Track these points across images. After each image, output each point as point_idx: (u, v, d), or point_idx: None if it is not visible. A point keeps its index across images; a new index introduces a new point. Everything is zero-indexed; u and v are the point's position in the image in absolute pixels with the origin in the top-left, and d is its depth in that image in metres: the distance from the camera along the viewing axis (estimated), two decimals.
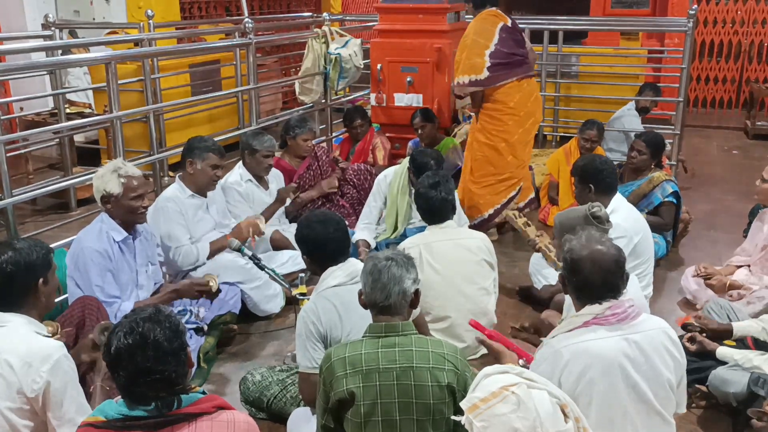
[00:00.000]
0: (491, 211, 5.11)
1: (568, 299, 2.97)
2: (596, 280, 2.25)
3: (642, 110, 6.52)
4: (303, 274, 3.62)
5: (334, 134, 6.73)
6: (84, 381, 2.64)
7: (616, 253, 2.31)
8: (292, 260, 4.33)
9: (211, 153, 3.94)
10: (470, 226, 5.01)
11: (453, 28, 5.85)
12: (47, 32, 6.16)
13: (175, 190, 3.95)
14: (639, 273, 3.62)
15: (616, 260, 2.30)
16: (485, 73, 4.82)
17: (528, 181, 5.41)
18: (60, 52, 5.98)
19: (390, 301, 2.28)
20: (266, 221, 4.46)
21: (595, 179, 3.77)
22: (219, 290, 3.46)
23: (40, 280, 2.41)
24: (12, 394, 2.20)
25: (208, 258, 3.96)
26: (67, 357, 2.30)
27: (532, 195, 5.49)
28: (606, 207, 3.41)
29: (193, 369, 3.32)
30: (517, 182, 5.13)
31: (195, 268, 3.94)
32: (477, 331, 3.45)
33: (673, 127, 6.54)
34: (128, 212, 3.31)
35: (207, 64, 7.52)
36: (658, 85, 6.98)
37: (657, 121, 7.02)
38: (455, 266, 3.44)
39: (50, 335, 2.47)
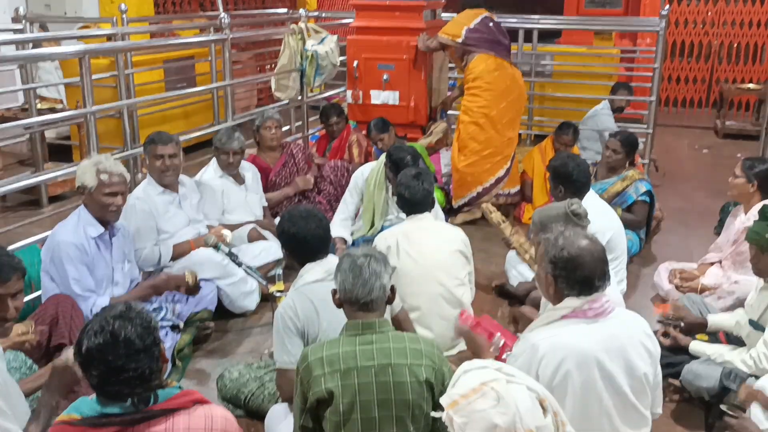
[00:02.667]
0: (480, 189, 5.46)
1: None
2: (596, 271, 2.27)
3: (618, 109, 6.61)
4: (279, 271, 3.62)
5: (310, 131, 6.70)
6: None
7: (600, 242, 2.36)
8: (265, 251, 4.32)
9: (152, 144, 3.89)
10: (460, 205, 5.46)
11: (429, 26, 5.86)
12: (17, 26, 6.05)
13: (146, 187, 3.91)
14: (613, 268, 3.65)
15: (603, 249, 2.34)
16: (462, 38, 5.40)
17: (516, 171, 5.60)
18: (31, 45, 5.87)
19: (372, 296, 2.27)
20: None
21: (566, 181, 3.83)
22: (199, 287, 3.43)
23: None
24: None
25: (172, 260, 3.92)
26: None
27: (518, 187, 5.67)
28: None
29: (169, 366, 3.29)
30: (503, 160, 5.45)
31: (162, 267, 3.91)
32: (450, 321, 3.48)
33: (645, 126, 6.62)
34: (99, 208, 3.28)
35: (181, 60, 7.44)
36: (631, 84, 7.07)
37: (630, 120, 7.10)
38: (431, 254, 3.47)
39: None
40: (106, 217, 3.32)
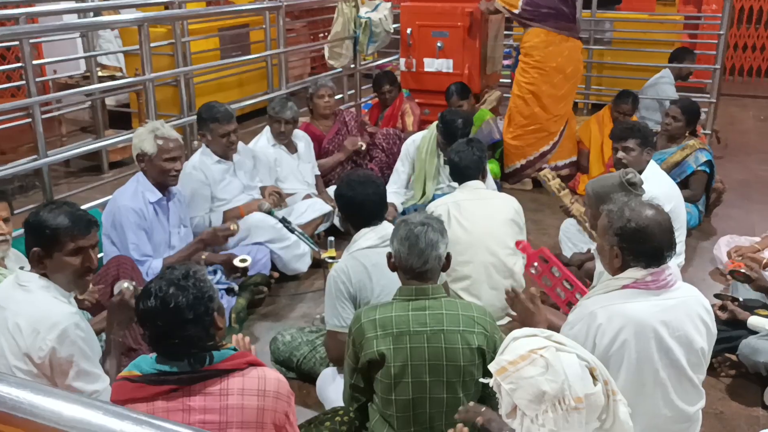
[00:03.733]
0: (523, 161, 5.49)
1: (598, 268, 2.96)
2: (664, 241, 2.21)
3: (685, 76, 6.40)
4: (331, 238, 3.66)
5: (363, 99, 6.69)
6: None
7: (666, 211, 2.29)
8: (310, 207, 4.39)
9: (216, 122, 3.90)
10: (504, 176, 5.43)
11: None
12: None
13: (202, 157, 3.96)
14: None
15: (669, 218, 2.28)
16: (519, 9, 5.24)
17: (572, 142, 5.51)
18: (92, 14, 6.01)
19: (427, 267, 2.28)
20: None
21: (654, 145, 3.80)
22: (247, 269, 3.50)
23: (35, 249, 2.29)
24: (21, 356, 2.20)
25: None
26: (77, 326, 2.24)
27: (574, 158, 5.56)
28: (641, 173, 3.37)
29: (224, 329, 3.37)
30: (548, 136, 5.43)
31: None
32: (500, 291, 3.46)
33: (708, 95, 6.40)
34: (160, 173, 3.36)
35: (236, 28, 7.50)
36: (695, 51, 6.82)
37: (692, 90, 6.87)
38: (483, 223, 3.45)
39: (76, 298, 2.45)
40: (167, 182, 3.41)
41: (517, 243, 3.31)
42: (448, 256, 2.36)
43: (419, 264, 2.27)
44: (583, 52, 7.40)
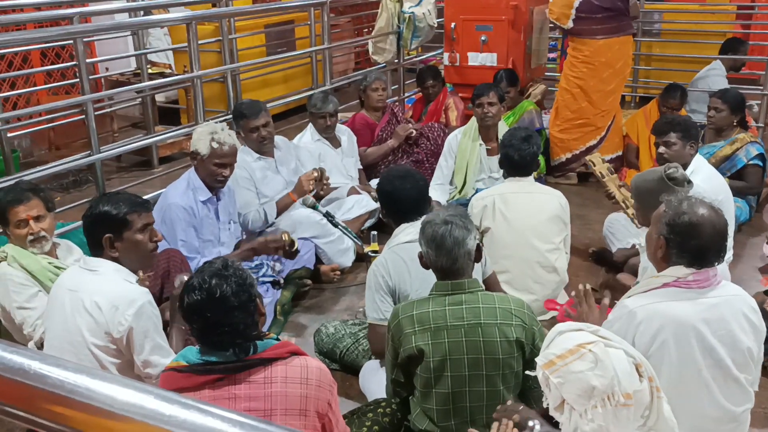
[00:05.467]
0: (568, 155, 5.44)
1: (643, 263, 2.92)
2: (713, 244, 2.16)
3: (739, 67, 6.25)
4: (374, 232, 3.69)
5: (406, 94, 6.70)
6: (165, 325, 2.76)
7: (725, 217, 2.23)
8: (358, 204, 4.42)
9: (244, 118, 3.93)
10: (549, 169, 5.42)
11: None
12: None
13: (242, 155, 4.01)
14: None
15: (726, 224, 2.21)
16: (569, 24, 5.13)
17: (618, 136, 5.44)
18: (142, 13, 6.16)
19: (458, 265, 2.28)
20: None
21: (697, 138, 3.72)
22: (297, 250, 3.49)
23: (107, 236, 2.40)
24: (100, 333, 2.33)
25: (277, 216, 4.03)
26: (151, 303, 2.40)
27: (620, 152, 5.50)
28: (685, 168, 3.31)
29: (270, 320, 3.44)
30: (595, 130, 5.35)
31: (269, 225, 4.04)
32: (544, 284, 3.44)
33: (762, 87, 6.23)
34: (208, 175, 3.43)
35: (282, 25, 7.59)
36: (748, 42, 6.63)
37: (745, 81, 6.68)
38: (527, 218, 3.42)
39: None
40: (213, 186, 3.48)
41: (546, 303, 3.27)
42: (479, 248, 2.36)
43: (449, 263, 2.28)
44: (632, 44, 7.30)
